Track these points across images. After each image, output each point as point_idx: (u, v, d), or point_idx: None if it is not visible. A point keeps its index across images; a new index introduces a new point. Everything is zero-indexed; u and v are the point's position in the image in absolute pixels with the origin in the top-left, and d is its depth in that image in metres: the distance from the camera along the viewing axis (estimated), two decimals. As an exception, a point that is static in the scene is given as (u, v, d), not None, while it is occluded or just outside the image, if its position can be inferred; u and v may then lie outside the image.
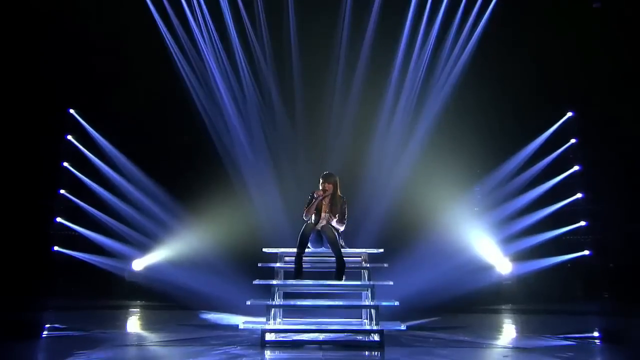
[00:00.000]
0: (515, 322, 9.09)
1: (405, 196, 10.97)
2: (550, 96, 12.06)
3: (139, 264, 11.77)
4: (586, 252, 11.92)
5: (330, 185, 7.03)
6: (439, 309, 9.25)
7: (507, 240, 11.41)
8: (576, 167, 12.19)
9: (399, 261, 8.66)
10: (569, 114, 12.34)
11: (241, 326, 6.36)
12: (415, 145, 11.58)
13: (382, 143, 11.69)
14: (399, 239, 10.28)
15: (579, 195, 12.08)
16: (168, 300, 10.35)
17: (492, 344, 6.61)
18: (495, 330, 8.02)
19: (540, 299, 11.05)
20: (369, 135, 11.71)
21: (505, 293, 11.39)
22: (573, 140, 12.28)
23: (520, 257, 11.44)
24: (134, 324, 8.71)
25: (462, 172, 11.23)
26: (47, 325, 8.32)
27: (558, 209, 11.89)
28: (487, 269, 11.25)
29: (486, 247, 11.32)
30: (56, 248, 12.23)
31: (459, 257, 10.76)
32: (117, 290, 11.72)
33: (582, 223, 12.02)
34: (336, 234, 6.78)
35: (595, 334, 7.97)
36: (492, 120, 11.55)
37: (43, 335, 7.37)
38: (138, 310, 10.40)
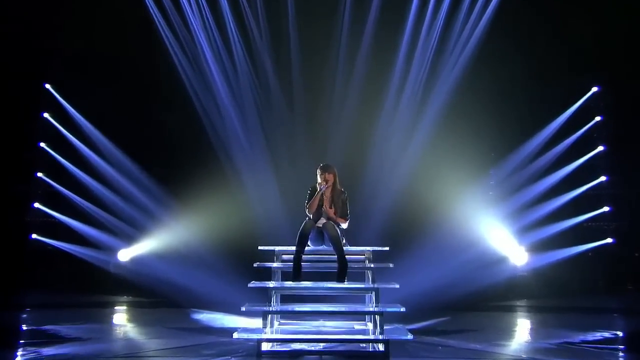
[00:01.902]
0: (531, 324, 9.13)
1: (412, 187, 10.92)
2: (573, 69, 11.90)
3: (124, 255, 11.82)
4: (609, 240, 11.93)
5: (331, 176, 6.98)
6: (449, 308, 9.35)
7: (524, 230, 11.41)
8: (600, 148, 12.13)
9: (405, 258, 8.72)
10: (594, 88, 12.21)
11: (235, 335, 6.39)
12: (423, 131, 11.46)
13: (388, 129, 11.58)
14: (406, 235, 10.29)
15: (602, 178, 12.04)
16: (157, 296, 10.43)
17: (506, 354, 6.64)
18: (509, 334, 8.05)
19: (558, 293, 11.12)
20: (373, 120, 11.59)
21: (520, 287, 11.44)
22: (598, 118, 12.19)
23: (537, 247, 11.45)
24: (118, 328, 8.71)
25: (475, 157, 11.18)
26: (24, 327, 8.39)
27: (580, 194, 11.86)
28: (500, 261, 11.27)
29: (500, 238, 11.33)
30: (34, 236, 12.27)
31: (470, 250, 10.79)
32: (101, 284, 11.79)
33: (606, 209, 12.01)
34: (338, 231, 6.76)
35: (620, 334, 8.03)
36: (508, 99, 11.42)
37: (20, 342, 7.36)
38: (124, 308, 10.50)
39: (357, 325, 7.30)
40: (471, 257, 10.64)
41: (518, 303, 10.77)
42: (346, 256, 6.71)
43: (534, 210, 11.52)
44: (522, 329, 8.69)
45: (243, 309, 6.48)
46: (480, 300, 10.12)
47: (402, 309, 6.37)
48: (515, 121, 11.54)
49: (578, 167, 11.96)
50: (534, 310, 10.26)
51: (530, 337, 7.96)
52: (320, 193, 6.88)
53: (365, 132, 11.49)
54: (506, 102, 11.39)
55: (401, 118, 11.62)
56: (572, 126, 12.05)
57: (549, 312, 10.09)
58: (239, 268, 9.02)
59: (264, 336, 6.36)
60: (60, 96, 12.46)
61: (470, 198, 11.14)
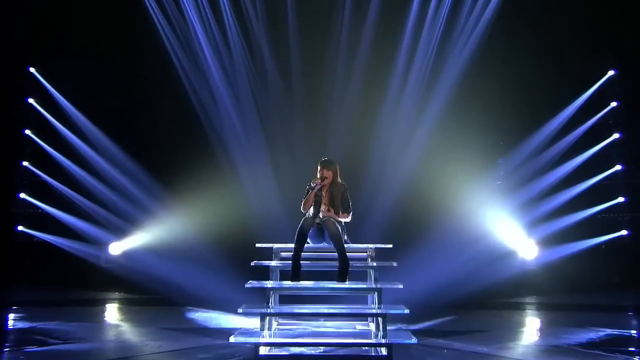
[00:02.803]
0: (541, 323, 9.20)
1: (416, 180, 10.94)
2: (588, 52, 11.82)
3: (116, 249, 11.88)
4: (624, 232, 12.02)
5: (330, 173, 6.98)
6: (454, 307, 9.45)
7: (534, 223, 11.47)
8: (616, 135, 12.15)
9: (410, 254, 8.79)
10: (610, 72, 12.18)
11: (232, 339, 6.44)
12: (429, 120, 11.47)
13: (392, 118, 11.57)
14: (410, 230, 10.34)
15: (618, 167, 12.10)
16: (150, 293, 10.52)
17: (513, 358, 6.68)
18: (517, 335, 8.12)
19: (569, 289, 11.19)
20: (377, 109, 11.55)
21: (529, 283, 11.53)
22: (614, 104, 12.19)
23: (547, 241, 11.51)
24: (109, 328, 8.72)
25: (483, 147, 11.20)
26: (8, 327, 8.45)
27: (593, 184, 11.90)
28: (509, 256, 11.35)
29: (509, 232, 11.39)
30: (20, 228, 12.33)
31: (478, 245, 10.84)
32: (90, 279, 11.88)
33: (621, 199, 12.08)
34: (339, 227, 6.79)
35: (634, 334, 8.13)
36: (518, 84, 11.39)
37: (4, 344, 7.33)
38: (115, 305, 10.60)
39: (359, 326, 7.34)
40: (478, 252, 10.70)
41: (527, 300, 10.89)
42: (347, 254, 6.73)
43: (545, 202, 11.57)
44: (531, 329, 8.74)
45: (240, 310, 6.55)
46: (488, 297, 10.23)
47: (406, 311, 6.42)
48: (526, 108, 11.56)
49: (592, 155, 12.00)
50: (543, 308, 10.36)
51: (539, 339, 8.00)
52: (315, 191, 6.88)
53: (368, 121, 11.48)
54: (516, 88, 11.38)
55: (406, 106, 11.61)
56: (586, 112, 12.05)
57: (559, 310, 10.17)
58: (235, 264, 9.08)
59: (261, 340, 6.40)
60: (46, 80, 12.45)
61: (478, 190, 11.17)
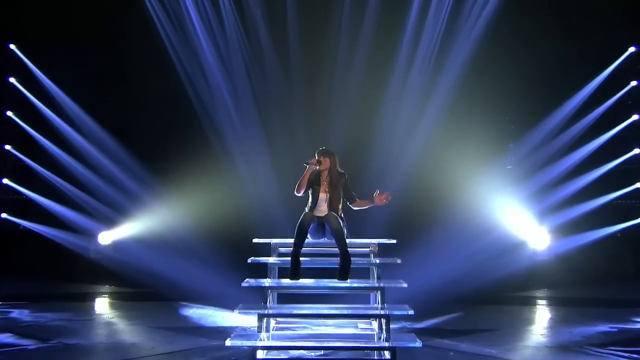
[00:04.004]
0: (552, 321, 9.25)
1: (422, 168, 10.99)
2: (606, 27, 11.73)
3: (105, 238, 11.96)
4: (641, 220, 12.05)
5: (327, 160, 7.02)
6: (461, 302, 9.55)
7: (546, 212, 11.53)
8: (635, 117, 12.14)
9: (415, 247, 8.86)
10: (631, 49, 12.13)
11: (228, 343, 6.54)
12: (436, 102, 11.47)
13: (396, 102, 11.56)
14: (415, 224, 10.41)
15: (636, 150, 12.12)
16: (142, 287, 10.62)
17: (523, 363, 6.83)
18: (526, 336, 8.16)
19: (583, 281, 11.28)
20: (381, 92, 11.54)
21: (541, 275, 11.62)
22: (633, 83, 12.16)
23: (560, 230, 11.58)
24: (99, 327, 8.67)
25: (493, 131, 11.21)
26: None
27: (610, 169, 11.96)
28: (519, 247, 11.43)
29: (520, 221, 11.45)
30: (4, 215, 12.41)
31: (486, 236, 10.91)
32: (79, 271, 11.95)
33: (639, 185, 12.12)
34: (341, 222, 6.85)
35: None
36: (532, 63, 11.37)
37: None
38: (104, 300, 10.70)
39: (362, 325, 7.45)
40: (487, 244, 10.78)
41: (538, 294, 10.98)
42: (349, 250, 6.75)
43: (558, 189, 11.62)
44: (541, 328, 8.78)
45: (236, 311, 6.62)
46: (497, 292, 10.31)
47: (410, 312, 6.49)
48: (539, 88, 11.55)
49: (609, 139, 12.01)
50: (555, 303, 10.42)
51: (549, 338, 8.03)
52: (309, 171, 6.92)
53: (371, 105, 11.44)
54: (530, 67, 11.34)
55: (412, 88, 11.61)
56: (604, 93, 12.04)
57: (571, 304, 10.22)
58: (231, 259, 9.17)
59: (259, 343, 6.46)
60: (28, 59, 12.39)
61: (487, 177, 11.21)
